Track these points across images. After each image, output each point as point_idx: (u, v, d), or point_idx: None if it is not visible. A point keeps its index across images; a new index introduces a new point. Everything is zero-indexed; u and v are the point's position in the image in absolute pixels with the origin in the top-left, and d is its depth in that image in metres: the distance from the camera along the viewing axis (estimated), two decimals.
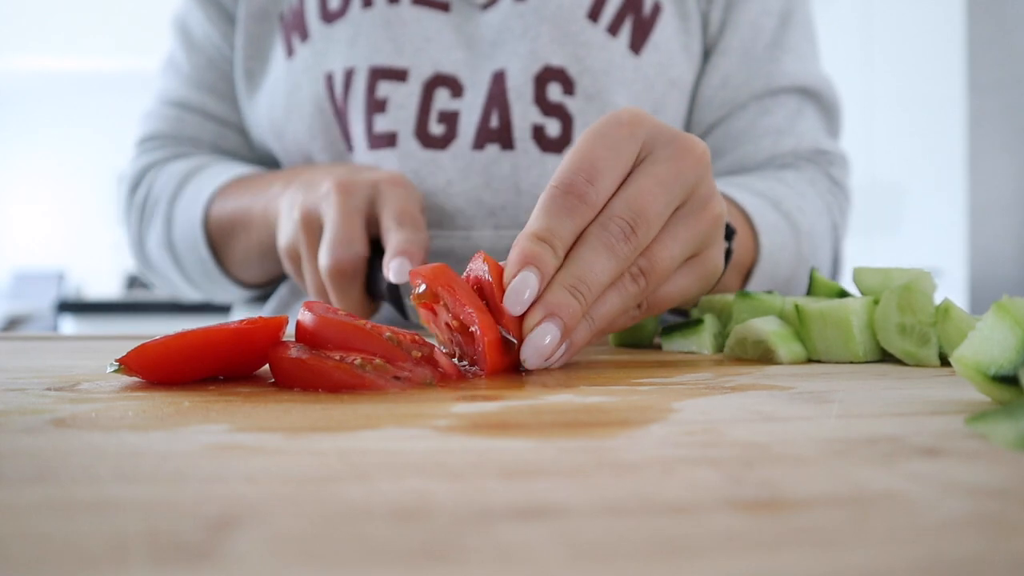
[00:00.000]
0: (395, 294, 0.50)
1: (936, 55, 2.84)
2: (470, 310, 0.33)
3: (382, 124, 0.63)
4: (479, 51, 0.64)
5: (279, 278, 0.72)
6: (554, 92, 0.62)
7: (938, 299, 0.37)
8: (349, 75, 0.64)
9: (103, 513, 0.14)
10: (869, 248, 3.07)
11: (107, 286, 5.15)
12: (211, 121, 0.74)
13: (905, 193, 2.98)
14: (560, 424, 0.22)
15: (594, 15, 0.64)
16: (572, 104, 0.63)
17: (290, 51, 0.67)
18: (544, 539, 0.13)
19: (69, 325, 2.77)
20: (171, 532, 0.13)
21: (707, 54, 0.68)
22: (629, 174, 0.36)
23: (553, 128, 0.63)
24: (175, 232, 0.70)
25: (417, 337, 0.32)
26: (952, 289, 2.63)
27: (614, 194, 0.35)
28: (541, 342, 0.33)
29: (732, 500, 0.15)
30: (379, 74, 0.63)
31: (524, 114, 0.63)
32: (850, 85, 3.14)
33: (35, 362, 0.37)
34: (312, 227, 0.53)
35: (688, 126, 0.70)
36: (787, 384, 0.30)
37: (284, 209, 0.57)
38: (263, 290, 0.74)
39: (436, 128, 0.63)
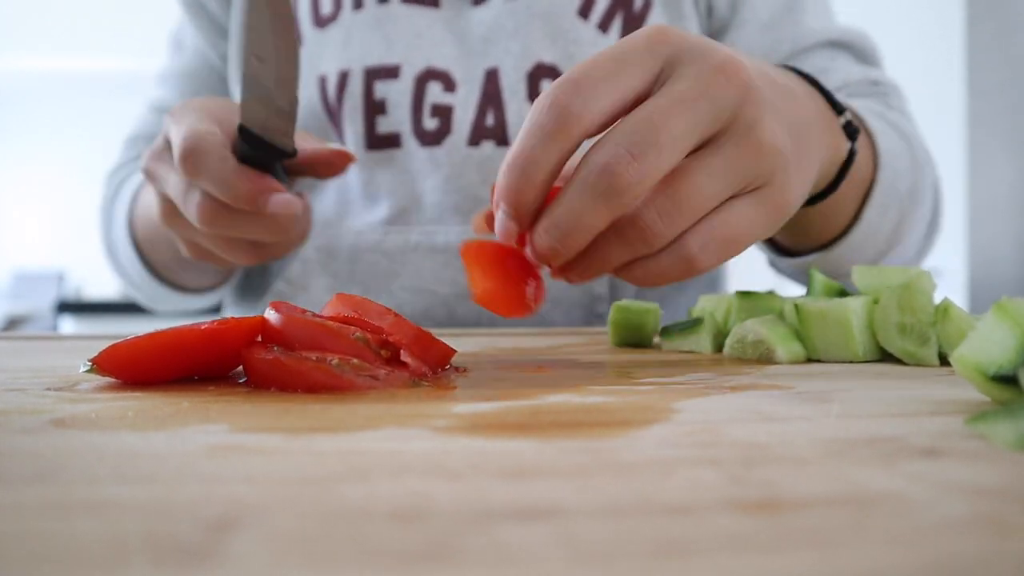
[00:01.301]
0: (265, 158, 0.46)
1: (935, 56, 2.84)
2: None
3: (384, 126, 0.64)
4: (471, 48, 0.64)
5: (221, 280, 0.72)
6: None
7: (937, 299, 0.37)
8: (343, 77, 0.64)
9: (103, 513, 0.14)
10: None
11: (107, 286, 5.15)
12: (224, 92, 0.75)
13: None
14: (560, 424, 0.22)
15: (584, 12, 0.64)
16: None
17: None
18: (544, 539, 0.13)
19: (69, 325, 2.77)
20: (171, 533, 0.13)
21: (719, 36, 0.68)
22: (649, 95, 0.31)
23: None
24: (115, 238, 0.71)
25: (387, 337, 0.31)
26: (951, 289, 2.63)
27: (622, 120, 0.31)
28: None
29: (732, 500, 0.15)
30: (373, 74, 0.64)
31: (519, 111, 0.63)
32: None
33: (35, 362, 0.37)
34: (161, 159, 0.49)
35: None
36: (787, 384, 0.30)
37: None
38: (210, 295, 0.74)
39: (430, 123, 0.63)
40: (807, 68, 0.64)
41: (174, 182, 0.48)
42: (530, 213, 0.31)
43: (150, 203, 0.61)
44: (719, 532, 0.13)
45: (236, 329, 0.30)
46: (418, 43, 0.64)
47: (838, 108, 0.43)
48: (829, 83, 0.63)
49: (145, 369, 0.29)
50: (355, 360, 0.29)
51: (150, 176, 0.50)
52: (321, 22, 0.66)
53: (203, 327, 0.29)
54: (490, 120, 0.63)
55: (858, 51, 0.68)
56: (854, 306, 0.37)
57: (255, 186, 0.45)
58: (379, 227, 0.66)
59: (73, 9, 4.39)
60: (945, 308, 0.36)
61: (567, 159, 0.30)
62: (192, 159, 0.44)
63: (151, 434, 0.21)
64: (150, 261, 0.69)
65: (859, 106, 0.57)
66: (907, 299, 0.36)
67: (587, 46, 0.63)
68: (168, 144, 0.49)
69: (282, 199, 0.45)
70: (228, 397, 0.27)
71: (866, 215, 0.52)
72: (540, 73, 0.63)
